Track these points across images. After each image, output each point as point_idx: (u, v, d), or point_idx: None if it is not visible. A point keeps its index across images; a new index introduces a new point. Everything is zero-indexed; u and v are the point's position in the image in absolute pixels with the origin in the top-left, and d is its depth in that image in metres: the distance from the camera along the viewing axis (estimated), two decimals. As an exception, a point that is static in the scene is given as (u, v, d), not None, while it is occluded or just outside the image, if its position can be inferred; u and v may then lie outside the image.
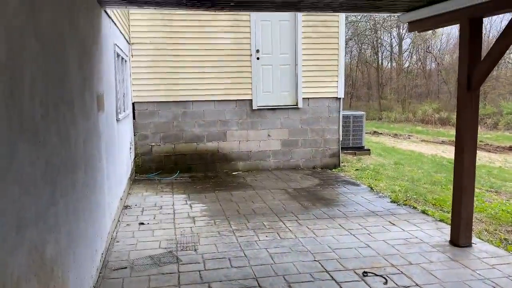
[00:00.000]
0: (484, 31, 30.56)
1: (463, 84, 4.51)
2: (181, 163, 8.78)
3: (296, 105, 9.14)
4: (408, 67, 32.40)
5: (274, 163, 9.19)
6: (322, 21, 8.88)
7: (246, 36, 8.72)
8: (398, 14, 5.34)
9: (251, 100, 8.90)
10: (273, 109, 9.06)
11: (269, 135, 9.09)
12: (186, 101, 8.67)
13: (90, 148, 3.80)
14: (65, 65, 2.97)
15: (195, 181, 8.10)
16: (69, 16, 3.13)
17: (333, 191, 7.31)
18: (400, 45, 32.06)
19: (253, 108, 8.92)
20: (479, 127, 21.01)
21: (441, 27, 5.18)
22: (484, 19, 4.48)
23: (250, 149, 9.05)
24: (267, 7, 5.03)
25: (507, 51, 30.59)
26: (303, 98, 9.12)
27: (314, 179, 8.27)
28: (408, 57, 33.06)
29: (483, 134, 20.80)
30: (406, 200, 6.48)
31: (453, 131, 18.35)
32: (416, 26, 5.19)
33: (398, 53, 32.51)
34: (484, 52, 4.45)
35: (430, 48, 31.61)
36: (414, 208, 6.15)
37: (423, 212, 5.94)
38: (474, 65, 4.41)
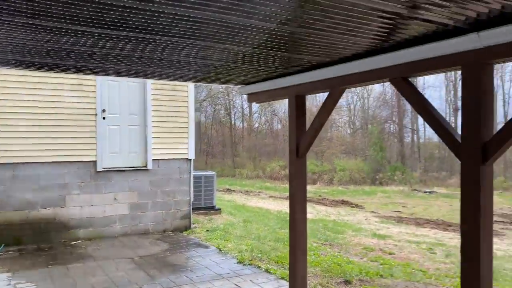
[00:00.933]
0: (319, 99, 35.11)
1: (293, 152, 5.02)
2: (7, 235, 7.59)
3: (146, 166, 8.92)
4: (257, 127, 35.07)
5: (121, 229, 8.64)
6: (171, 84, 9.09)
7: (91, 95, 8.35)
8: (238, 86, 5.80)
9: (95, 162, 8.38)
10: (120, 171, 8.66)
11: (115, 199, 8.59)
12: (17, 163, 7.70)
13: None
14: None
15: (24, 256, 7.05)
16: None
17: (182, 255, 7.15)
18: (250, 107, 34.71)
19: (98, 170, 8.39)
20: (317, 183, 23.61)
21: (275, 100, 5.79)
22: (307, 96, 5.16)
23: (93, 215, 8.37)
24: (106, 73, 4.94)
25: (338, 117, 35.57)
26: (153, 159, 8.98)
27: (163, 243, 8.00)
28: (257, 119, 35.90)
29: (321, 189, 23.34)
30: (251, 260, 6.71)
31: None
32: (253, 97, 5.69)
33: (248, 115, 35.07)
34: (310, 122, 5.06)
35: (275, 111, 34.94)
36: (259, 267, 6.39)
37: (266, 271, 6.20)
38: (301, 135, 4.99)
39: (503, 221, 14.10)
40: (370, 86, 33.55)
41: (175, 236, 8.66)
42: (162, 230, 9.05)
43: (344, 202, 18.02)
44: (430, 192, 23.18)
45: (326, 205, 16.82)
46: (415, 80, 32.33)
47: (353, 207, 16.95)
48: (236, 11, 2.61)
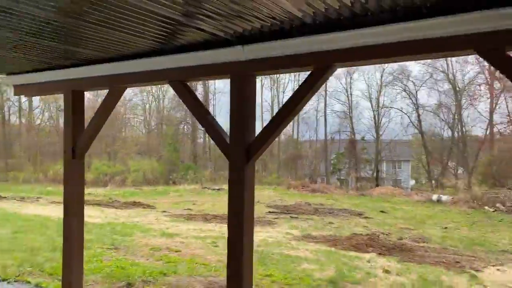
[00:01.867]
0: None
1: (69, 153, 4.59)
2: None
3: None
4: (39, 124, 31.08)
5: None
6: None
7: None
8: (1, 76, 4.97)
9: None
10: None
11: None
12: None
13: None
14: None
15: None
16: None
17: None
18: (30, 101, 30.47)
19: None
20: (109, 185, 22.54)
21: (49, 94, 5.21)
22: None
23: None
24: None
25: (133, 116, 34.73)
26: None
27: None
28: (39, 114, 31.81)
29: (112, 192, 22.31)
30: (19, 275, 5.86)
31: (88, 190, 18.70)
32: (21, 90, 4.97)
33: (27, 109, 30.73)
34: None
35: (62, 107, 31.68)
36: (28, 282, 5.63)
37: (37, 285, 5.52)
38: (78, 134, 4.60)
39: (275, 212, 16.32)
40: (165, 87, 33.99)
41: None
42: None
43: (135, 204, 17.66)
44: (218, 189, 25.00)
45: (116, 208, 16.14)
46: (207, 84, 34.39)
47: (145, 207, 16.79)
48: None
